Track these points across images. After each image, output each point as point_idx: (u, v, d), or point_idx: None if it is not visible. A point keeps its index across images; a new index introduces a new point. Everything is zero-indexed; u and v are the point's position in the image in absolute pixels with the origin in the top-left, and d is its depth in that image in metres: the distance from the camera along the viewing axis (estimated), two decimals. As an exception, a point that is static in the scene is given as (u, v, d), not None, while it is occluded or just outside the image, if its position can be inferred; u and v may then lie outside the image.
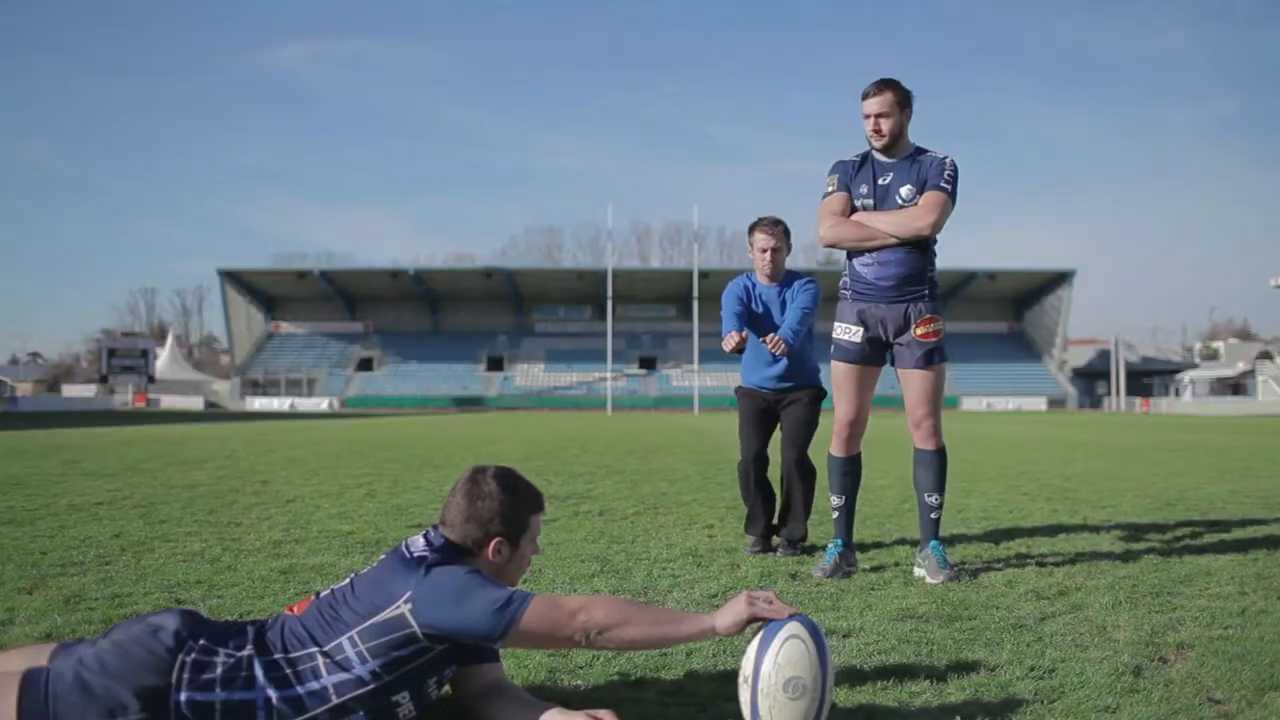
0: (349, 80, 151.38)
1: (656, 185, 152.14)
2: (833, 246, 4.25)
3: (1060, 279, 76.33)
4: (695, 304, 62.85)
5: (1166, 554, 4.69)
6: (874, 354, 4.25)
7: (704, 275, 69.89)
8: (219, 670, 2.12)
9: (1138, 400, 73.42)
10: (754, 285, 5.02)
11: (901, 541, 5.14)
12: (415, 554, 2.29)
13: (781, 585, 4.00)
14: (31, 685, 2.06)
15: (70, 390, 76.62)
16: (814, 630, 2.21)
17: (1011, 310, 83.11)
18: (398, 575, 2.25)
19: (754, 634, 2.25)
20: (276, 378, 76.97)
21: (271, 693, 2.13)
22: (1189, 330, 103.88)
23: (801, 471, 4.93)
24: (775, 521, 5.04)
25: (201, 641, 2.17)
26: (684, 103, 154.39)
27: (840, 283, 4.34)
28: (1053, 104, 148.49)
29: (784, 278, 4.99)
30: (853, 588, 3.92)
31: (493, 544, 2.36)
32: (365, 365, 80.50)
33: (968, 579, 4.09)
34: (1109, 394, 76.71)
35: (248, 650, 2.18)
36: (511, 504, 2.38)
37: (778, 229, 4.92)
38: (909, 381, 4.22)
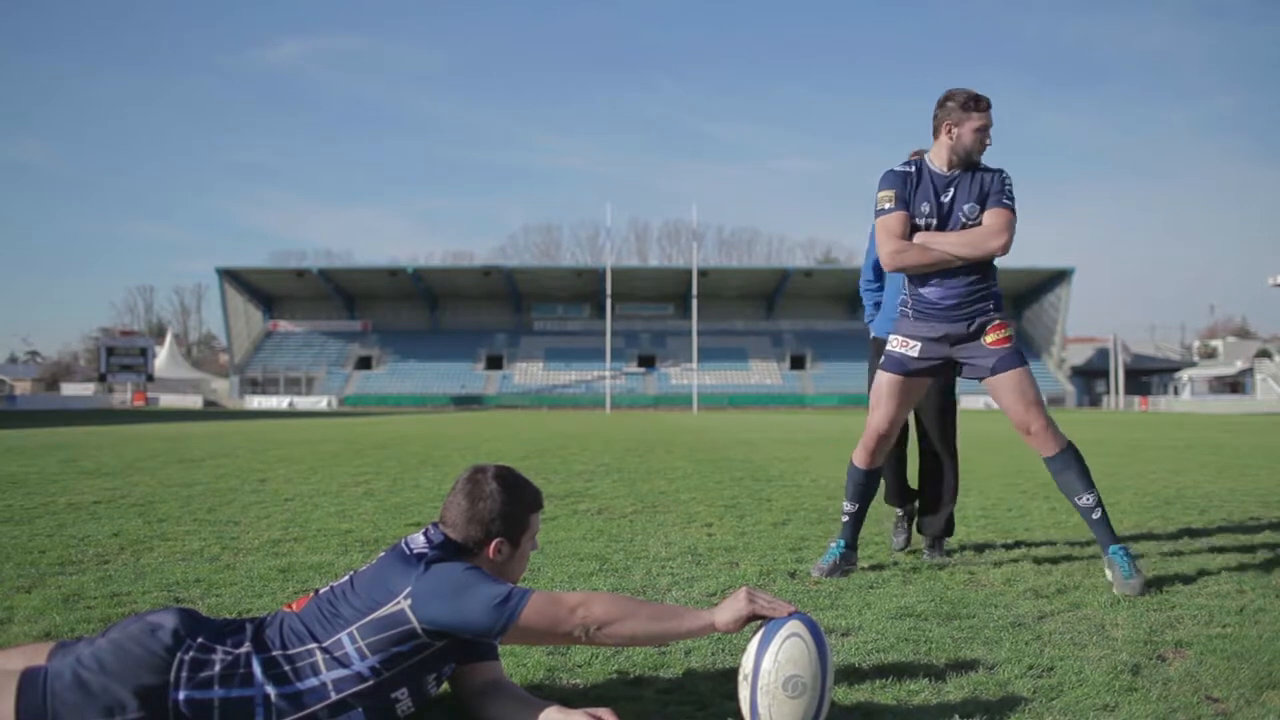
0: (348, 78, 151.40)
1: (655, 183, 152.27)
2: (898, 271, 4.07)
3: (1059, 277, 76.40)
4: (694, 302, 62.91)
5: (1164, 552, 4.69)
6: (926, 369, 4.09)
7: (703, 274, 70.08)
8: (217, 668, 2.12)
9: (1136, 398, 73.47)
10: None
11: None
12: (415, 551, 2.30)
13: (780, 584, 4.00)
14: (30, 684, 2.06)
15: (69, 389, 76.57)
16: (814, 628, 2.21)
17: (1010, 308, 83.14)
18: (397, 572, 2.25)
19: (754, 632, 2.25)
20: (275, 376, 76.93)
21: (270, 690, 2.12)
22: (1188, 329, 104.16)
23: (941, 469, 4.76)
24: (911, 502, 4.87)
25: (200, 639, 2.17)
26: (682, 101, 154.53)
27: (899, 300, 4.20)
28: (1051, 102, 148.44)
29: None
30: (851, 586, 3.92)
31: (494, 544, 2.36)
32: (364, 364, 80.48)
33: (966, 577, 4.09)
34: (1108, 392, 76.77)
35: (246, 648, 2.18)
36: (512, 504, 2.38)
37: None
38: (995, 391, 4.03)
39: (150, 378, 72.46)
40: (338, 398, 72.77)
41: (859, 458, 4.27)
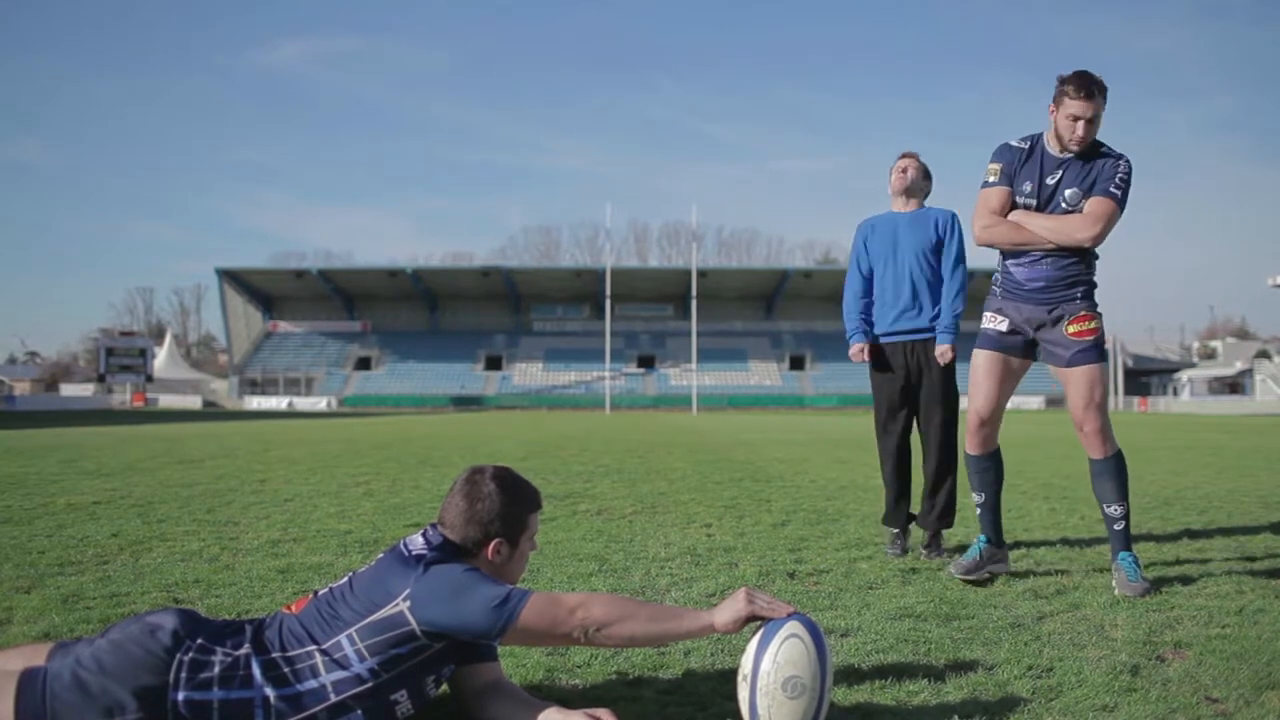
0: (347, 79, 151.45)
1: (655, 184, 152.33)
2: (987, 246, 4.01)
3: (1058, 278, 76.28)
4: (694, 303, 62.93)
5: (1164, 552, 4.69)
6: (1018, 346, 4.01)
7: (702, 274, 70.02)
8: (216, 669, 2.12)
9: (1136, 399, 73.47)
10: (879, 217, 4.91)
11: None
12: (414, 552, 2.29)
13: (779, 585, 3.99)
14: (29, 684, 2.06)
15: (68, 389, 76.52)
16: (813, 629, 2.21)
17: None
18: (396, 573, 2.24)
19: (753, 632, 2.25)
20: (274, 377, 76.93)
21: (269, 691, 2.12)
22: (1187, 329, 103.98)
23: (942, 456, 4.73)
24: (914, 510, 4.86)
25: (199, 641, 2.17)
26: (682, 101, 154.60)
27: (992, 278, 4.17)
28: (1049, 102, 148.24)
29: (917, 208, 4.87)
30: (850, 587, 3.92)
31: (492, 545, 2.36)
32: (363, 364, 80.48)
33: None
34: (1107, 393, 76.74)
35: (245, 649, 2.18)
36: (511, 504, 2.38)
37: (917, 156, 4.87)
38: (1064, 382, 3.96)
39: (149, 378, 72.46)
40: (337, 398, 72.76)
41: (971, 445, 4.15)
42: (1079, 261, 3.89)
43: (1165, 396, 75.11)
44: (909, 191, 4.86)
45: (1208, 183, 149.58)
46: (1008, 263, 4.01)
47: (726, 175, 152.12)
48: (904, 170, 4.86)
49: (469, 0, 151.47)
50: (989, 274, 4.32)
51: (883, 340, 4.88)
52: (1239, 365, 76.56)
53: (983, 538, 4.08)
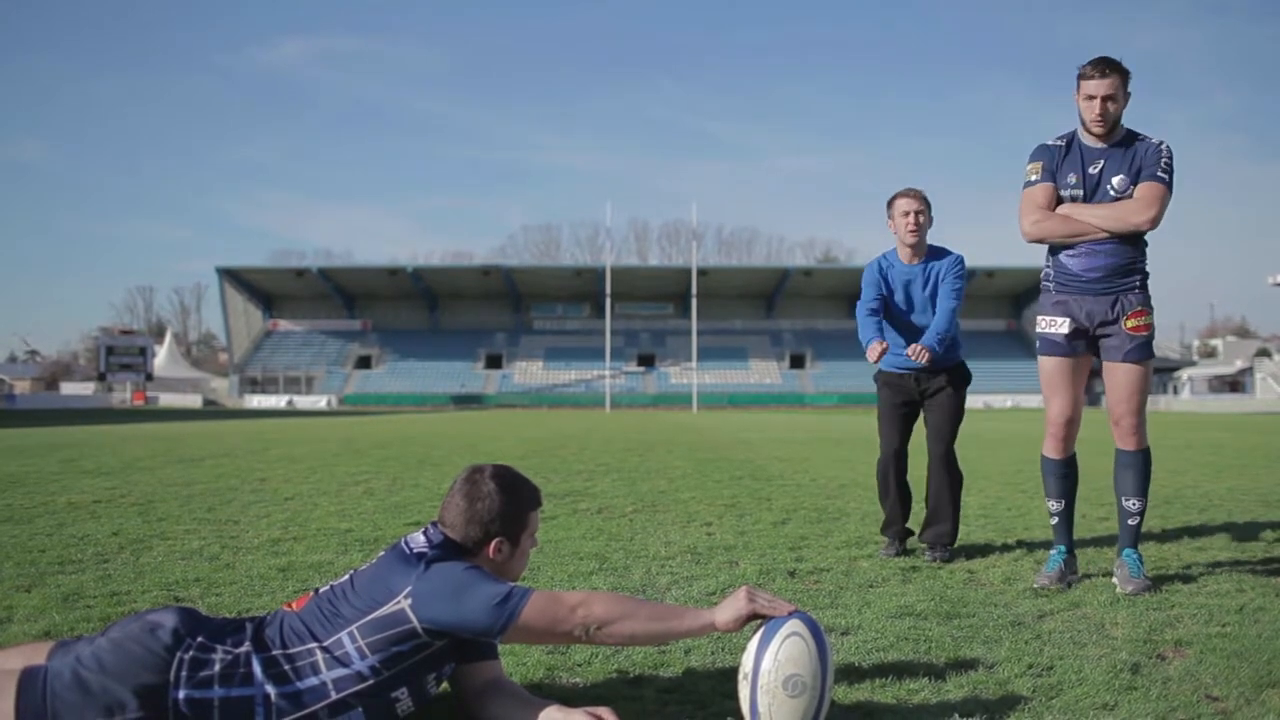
0: (348, 78, 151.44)
1: (655, 183, 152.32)
2: (1038, 242, 3.98)
3: (1058, 277, 76.20)
4: (694, 301, 62.99)
5: (1164, 552, 4.70)
6: (1082, 346, 3.98)
7: (702, 273, 70.05)
8: (217, 667, 2.12)
9: (1136, 398, 73.33)
10: (891, 265, 4.78)
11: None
12: (415, 550, 2.29)
13: (780, 583, 3.99)
14: (29, 683, 2.06)
15: (68, 388, 76.62)
16: (814, 628, 2.21)
17: (1010, 308, 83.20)
18: (397, 571, 2.25)
19: (754, 631, 2.25)
20: (275, 375, 76.96)
21: (270, 689, 2.12)
22: (1187, 328, 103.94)
23: (949, 468, 4.69)
24: (911, 525, 4.83)
25: (199, 639, 2.17)
26: (682, 100, 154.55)
27: (1043, 274, 4.12)
28: (1050, 101, 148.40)
29: (926, 254, 4.74)
30: (851, 585, 3.92)
31: (493, 543, 2.36)
32: (364, 363, 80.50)
33: (966, 576, 4.09)
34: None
35: (245, 647, 2.18)
36: (511, 503, 2.38)
37: (919, 194, 4.69)
38: (1112, 376, 3.94)
39: (150, 377, 72.50)
40: (337, 397, 72.78)
41: (1050, 449, 4.09)
42: (1133, 248, 3.88)
43: (1166, 395, 75.03)
44: (916, 248, 4.72)
45: (1208, 182, 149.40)
46: (1060, 255, 3.97)
47: (726, 174, 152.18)
48: (910, 221, 4.63)
49: (469, 0, 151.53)
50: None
51: (893, 370, 4.82)
52: (1239, 364, 76.59)
53: (1062, 548, 4.05)
